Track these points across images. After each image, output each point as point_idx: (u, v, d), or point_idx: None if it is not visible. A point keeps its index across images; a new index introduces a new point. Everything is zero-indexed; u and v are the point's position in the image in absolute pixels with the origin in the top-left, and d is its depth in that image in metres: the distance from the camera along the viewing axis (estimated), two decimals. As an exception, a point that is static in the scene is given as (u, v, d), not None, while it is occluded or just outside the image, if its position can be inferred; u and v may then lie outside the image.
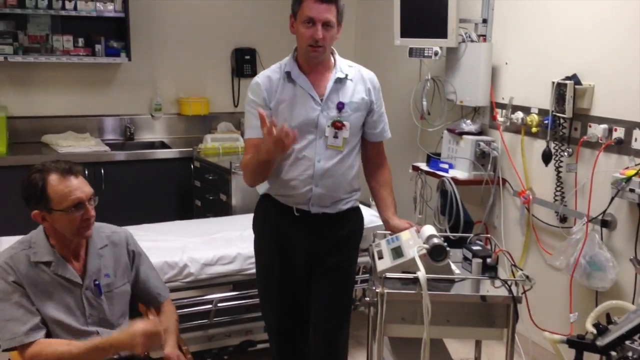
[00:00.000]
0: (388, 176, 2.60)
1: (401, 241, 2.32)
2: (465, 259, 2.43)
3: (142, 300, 2.36)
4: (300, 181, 2.36)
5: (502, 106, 3.58)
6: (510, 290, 2.17)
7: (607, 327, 1.91)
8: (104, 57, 4.55)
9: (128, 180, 4.39)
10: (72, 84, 4.70)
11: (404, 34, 3.83)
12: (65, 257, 2.13)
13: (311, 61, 2.35)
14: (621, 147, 2.90)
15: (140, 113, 4.93)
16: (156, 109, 4.93)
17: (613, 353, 1.81)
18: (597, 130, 3.00)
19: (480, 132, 3.71)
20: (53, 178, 2.06)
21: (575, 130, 3.15)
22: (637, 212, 2.83)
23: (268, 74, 2.41)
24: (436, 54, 3.76)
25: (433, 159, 3.85)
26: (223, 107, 5.16)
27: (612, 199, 2.81)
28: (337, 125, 2.35)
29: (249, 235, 2.61)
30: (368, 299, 2.39)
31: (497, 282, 2.26)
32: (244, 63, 5.10)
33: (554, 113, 3.17)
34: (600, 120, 3.01)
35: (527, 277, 2.17)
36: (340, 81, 2.39)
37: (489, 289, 2.25)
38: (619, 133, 2.91)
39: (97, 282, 2.17)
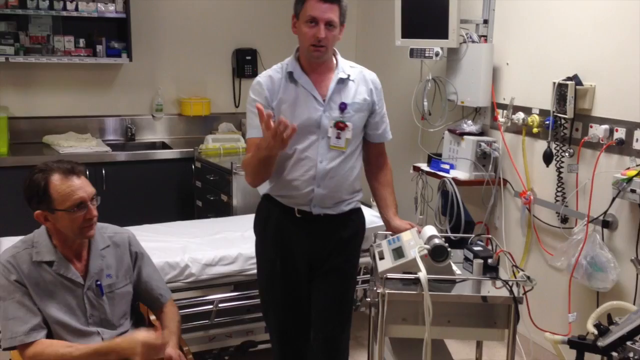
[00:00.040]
0: (389, 176, 2.59)
1: (402, 242, 2.33)
2: (466, 259, 2.43)
3: (144, 301, 2.36)
4: (302, 182, 2.35)
5: (503, 107, 3.58)
6: (511, 291, 2.17)
7: (608, 327, 1.91)
8: (105, 58, 4.55)
9: (129, 181, 4.39)
10: (73, 85, 4.70)
11: (405, 34, 3.83)
12: (67, 257, 2.14)
13: (313, 61, 2.35)
14: (622, 147, 2.90)
15: (141, 113, 4.94)
16: (157, 110, 4.93)
17: (614, 354, 1.82)
18: (598, 131, 3.00)
19: (481, 133, 3.71)
20: (55, 178, 2.06)
21: (577, 131, 3.15)
22: (638, 212, 2.83)
23: (270, 74, 2.40)
24: (437, 54, 3.76)
25: (434, 159, 3.85)
26: (224, 107, 5.17)
27: (613, 199, 2.81)
28: (340, 126, 2.34)
29: (250, 236, 2.61)
30: (369, 299, 2.39)
31: (498, 283, 2.26)
32: (245, 63, 5.10)
33: (555, 113, 3.16)
34: (601, 120, 3.01)
35: (528, 277, 2.17)
36: (342, 82, 2.38)
37: (490, 289, 2.25)
38: (620, 133, 2.91)
39: (98, 283, 2.17)
